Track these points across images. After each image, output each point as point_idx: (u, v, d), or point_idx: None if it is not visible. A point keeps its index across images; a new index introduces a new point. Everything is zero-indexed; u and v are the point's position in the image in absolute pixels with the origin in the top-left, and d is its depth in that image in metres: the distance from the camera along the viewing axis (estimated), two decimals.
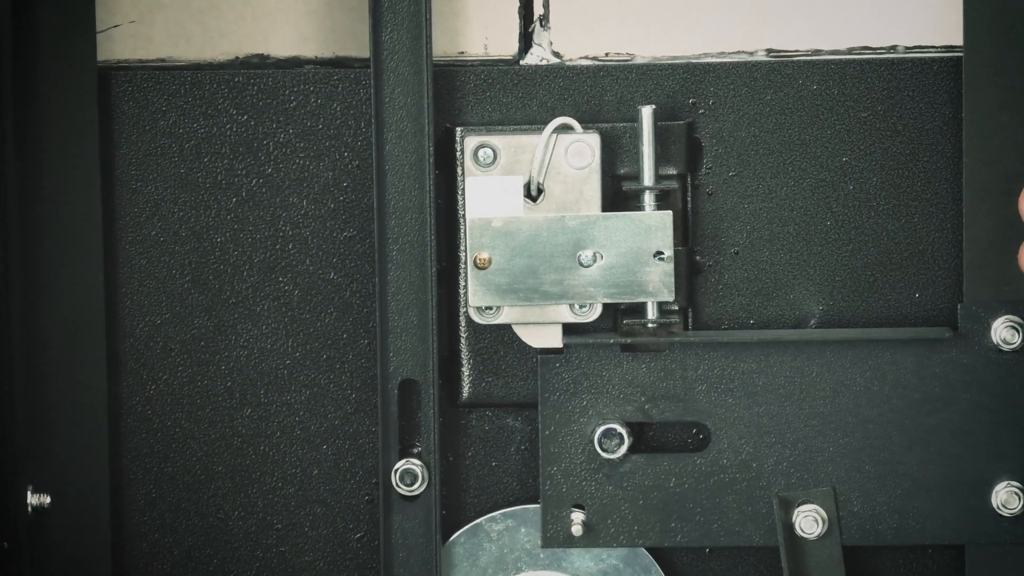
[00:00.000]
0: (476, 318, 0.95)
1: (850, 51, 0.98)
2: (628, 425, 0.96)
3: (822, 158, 0.98)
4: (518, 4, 0.99)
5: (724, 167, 0.97)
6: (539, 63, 0.99)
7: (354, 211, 0.99)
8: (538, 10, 1.00)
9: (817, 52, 0.98)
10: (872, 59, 0.98)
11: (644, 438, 0.98)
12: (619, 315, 0.96)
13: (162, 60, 1.00)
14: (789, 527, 0.94)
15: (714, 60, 0.98)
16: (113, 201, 1.00)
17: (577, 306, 0.95)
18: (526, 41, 1.01)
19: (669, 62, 0.98)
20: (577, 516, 0.97)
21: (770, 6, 0.98)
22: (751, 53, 0.98)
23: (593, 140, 0.95)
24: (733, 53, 0.98)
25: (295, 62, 1.00)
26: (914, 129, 1.00)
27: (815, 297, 0.98)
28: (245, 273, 1.00)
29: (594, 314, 0.95)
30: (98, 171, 0.98)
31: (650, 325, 0.95)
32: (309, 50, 1.00)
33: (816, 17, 0.99)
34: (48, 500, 0.96)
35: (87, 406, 0.97)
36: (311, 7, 1.00)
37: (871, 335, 0.97)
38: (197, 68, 1.00)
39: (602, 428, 0.96)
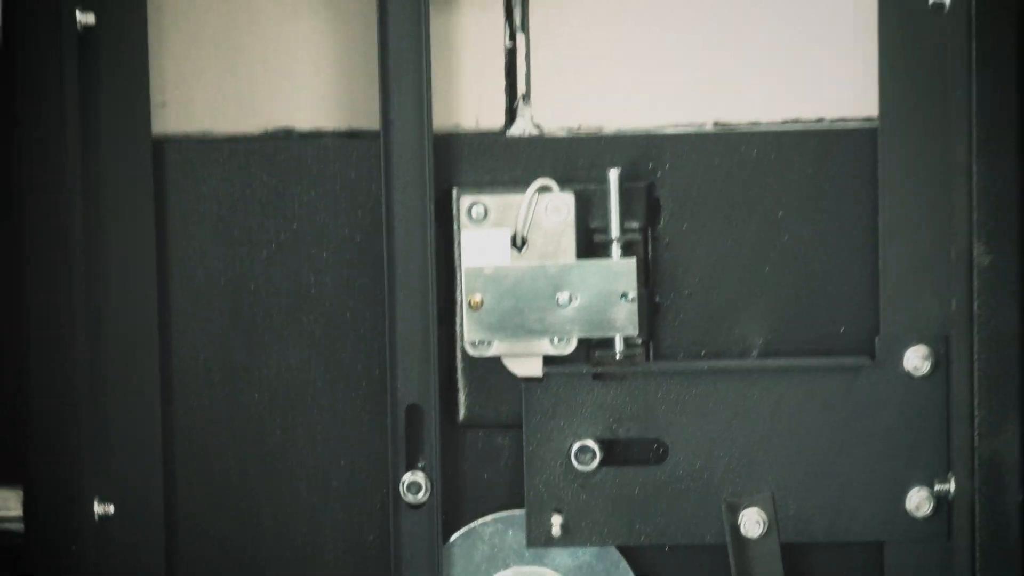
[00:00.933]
0: (471, 351, 1.01)
1: (784, 122, 1.06)
2: (599, 442, 1.02)
3: (761, 213, 1.05)
4: (504, 84, 1.06)
5: (679, 221, 1.04)
6: (522, 134, 1.06)
7: (367, 260, 1.06)
8: (521, 89, 1.07)
9: (756, 124, 1.05)
10: (802, 129, 1.06)
11: (613, 453, 1.04)
12: (591, 348, 1.02)
13: (203, 133, 1.06)
14: (735, 528, 1.02)
15: (669, 131, 1.05)
16: (164, 252, 1.06)
17: (556, 340, 1.01)
18: (511, 115, 1.08)
19: (632, 133, 1.05)
20: (556, 519, 1.04)
21: (716, 84, 1.06)
22: (700, 125, 1.05)
23: (568, 199, 1.01)
24: (685, 125, 1.05)
25: (316, 134, 1.07)
26: (838, 188, 1.07)
27: (756, 331, 1.05)
28: (275, 313, 1.07)
29: (570, 347, 1.01)
30: (152, 226, 1.06)
31: (617, 356, 1.01)
32: (328, 124, 1.07)
33: (755, 93, 1.06)
34: (112, 508, 1.02)
35: (143, 426, 1.05)
36: (329, 87, 1.06)
37: (803, 363, 1.04)
38: (233, 140, 1.06)
39: (577, 445, 1.02)
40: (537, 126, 1.09)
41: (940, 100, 1.05)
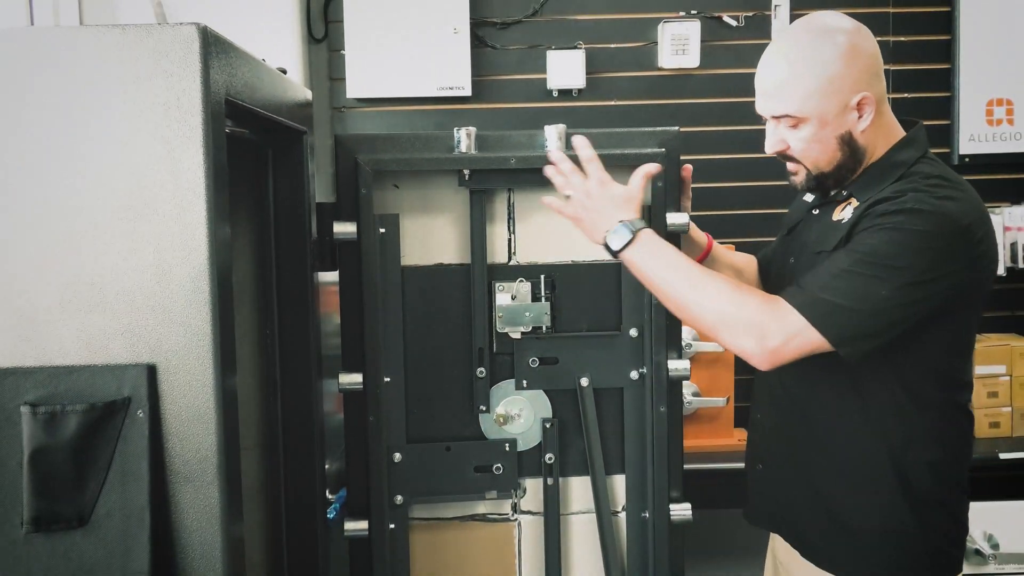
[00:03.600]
0: (499, 330, 2.37)
1: (592, 260, 2.40)
2: (537, 357, 2.43)
3: (590, 292, 2.41)
4: (507, 250, 2.39)
5: (562, 290, 2.41)
6: (514, 264, 2.40)
7: (467, 308, 2.41)
8: (514, 250, 2.38)
9: (586, 260, 2.40)
10: (594, 263, 2.41)
11: (543, 361, 2.42)
12: (535, 329, 2.39)
13: (416, 265, 2.34)
14: (580, 384, 2.52)
15: (559, 263, 2.38)
16: (403, 307, 2.40)
17: (524, 327, 2.39)
18: (510, 257, 2.39)
19: (549, 263, 2.38)
20: (524, 381, 2.46)
21: (572, 248, 2.39)
22: (569, 261, 2.40)
23: (528, 285, 2.38)
24: (564, 261, 2.39)
25: (449, 264, 2.38)
26: (609, 285, 2.50)
27: (584, 323, 2.42)
28: (444, 320, 2.45)
29: (529, 329, 2.39)
30: (400, 306, 2.34)
31: (544, 331, 2.42)
32: (454, 260, 2.41)
33: (570, 250, 2.39)
34: (389, 379, 2.44)
35: (395, 353, 2.49)
36: (455, 247, 2.42)
37: (599, 333, 2.47)
38: (427, 268, 2.34)
39: (530, 359, 2.44)
40: (517, 261, 2.34)
41: None
